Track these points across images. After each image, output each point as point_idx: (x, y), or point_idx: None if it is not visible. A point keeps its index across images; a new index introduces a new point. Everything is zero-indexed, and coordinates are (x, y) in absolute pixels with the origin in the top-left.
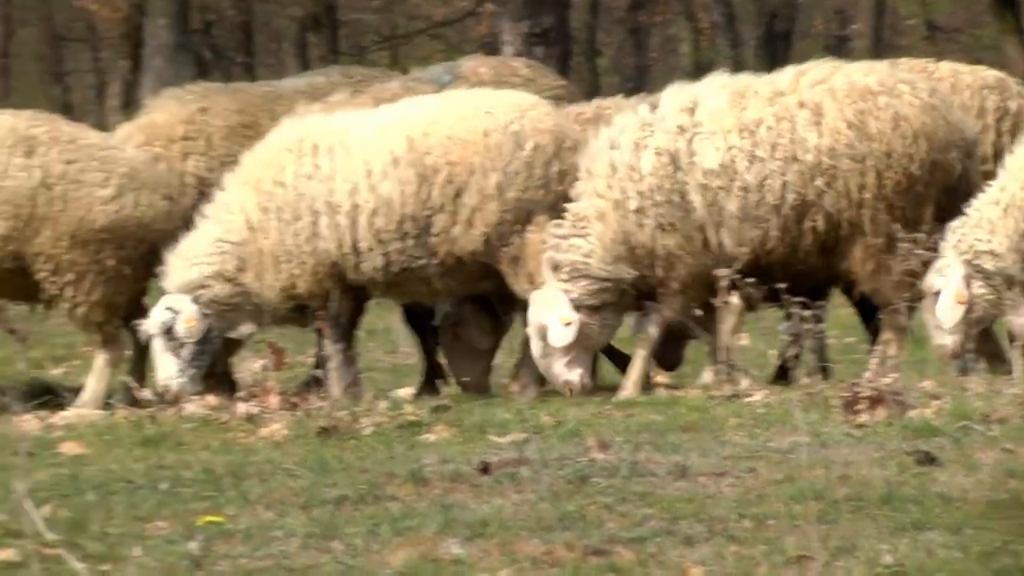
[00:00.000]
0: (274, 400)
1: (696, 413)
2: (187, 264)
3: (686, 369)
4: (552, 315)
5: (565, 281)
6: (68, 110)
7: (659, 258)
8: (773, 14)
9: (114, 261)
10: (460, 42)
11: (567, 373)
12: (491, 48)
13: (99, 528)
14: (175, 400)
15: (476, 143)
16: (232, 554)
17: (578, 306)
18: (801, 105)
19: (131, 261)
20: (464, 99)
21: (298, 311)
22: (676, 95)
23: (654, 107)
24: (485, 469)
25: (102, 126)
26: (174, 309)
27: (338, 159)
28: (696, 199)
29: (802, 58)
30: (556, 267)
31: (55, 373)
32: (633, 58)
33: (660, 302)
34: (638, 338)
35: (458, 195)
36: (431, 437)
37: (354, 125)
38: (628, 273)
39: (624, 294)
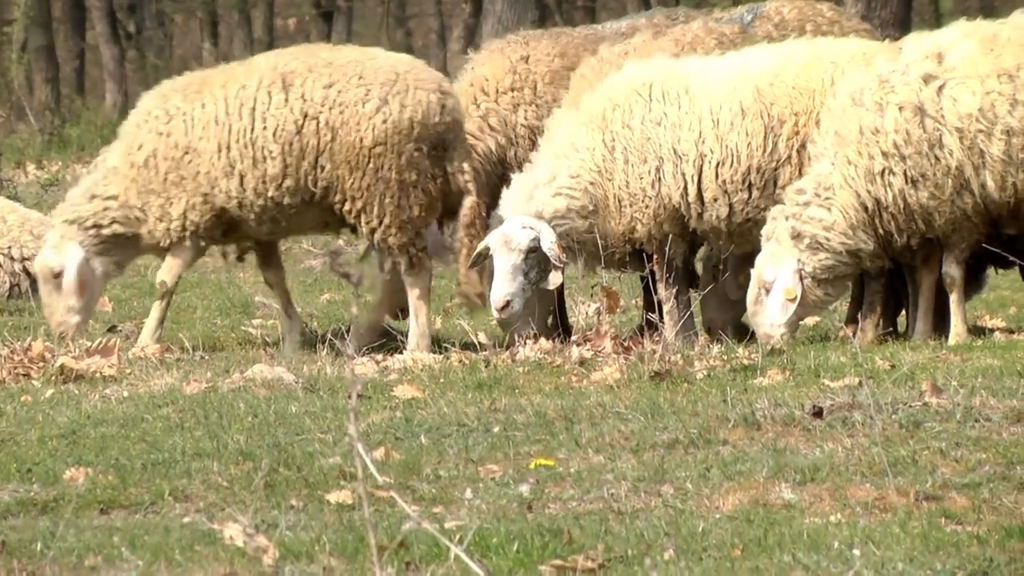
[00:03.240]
0: (607, 344)
1: None
2: (550, 192)
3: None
4: (778, 286)
5: (802, 251)
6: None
7: (915, 215)
8: None
9: (395, 173)
10: None
11: (770, 329)
12: None
13: (431, 471)
14: (505, 317)
15: (821, 93)
16: (563, 497)
17: (809, 277)
18: None
19: (416, 168)
20: (808, 48)
21: (633, 255)
22: (918, 44)
23: (891, 59)
24: (818, 413)
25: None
26: (536, 229)
27: (684, 107)
28: (952, 143)
29: None
30: (797, 236)
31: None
32: None
33: (946, 257)
34: (946, 285)
35: (803, 146)
36: (764, 381)
37: (700, 72)
38: (865, 243)
39: (859, 266)
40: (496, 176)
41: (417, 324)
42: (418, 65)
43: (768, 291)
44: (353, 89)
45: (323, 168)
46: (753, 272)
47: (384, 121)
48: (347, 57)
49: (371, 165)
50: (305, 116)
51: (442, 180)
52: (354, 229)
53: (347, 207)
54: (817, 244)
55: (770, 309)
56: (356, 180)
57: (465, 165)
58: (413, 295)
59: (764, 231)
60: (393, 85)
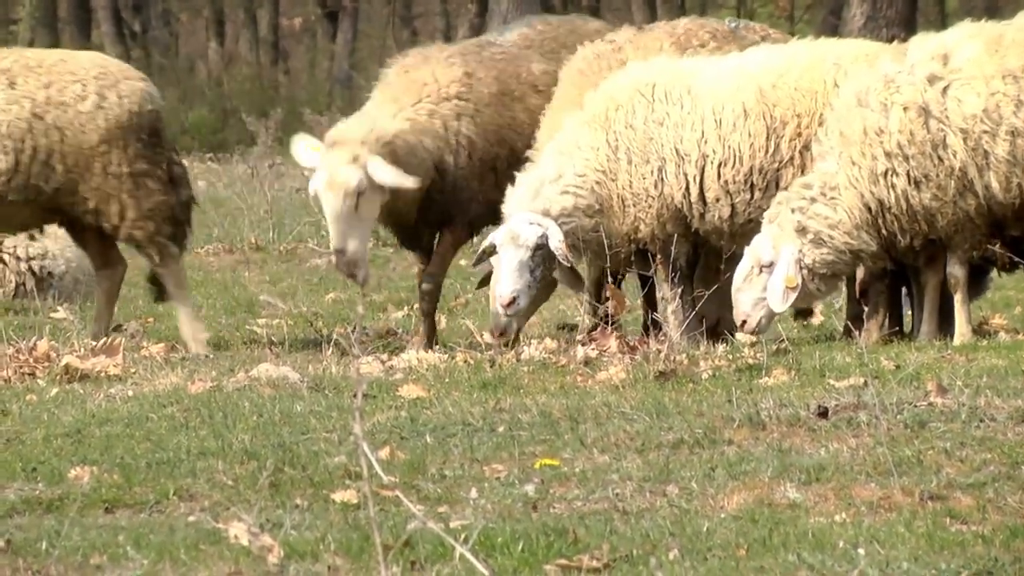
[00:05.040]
0: (613, 344)
1: None
2: (557, 190)
3: None
4: (779, 272)
5: (805, 244)
6: None
7: (918, 216)
8: None
9: (126, 167)
10: None
11: (751, 309)
12: None
13: (436, 470)
14: (511, 314)
15: (824, 95)
16: (568, 497)
17: (806, 269)
18: None
19: (144, 158)
20: (811, 49)
21: (637, 255)
22: (923, 45)
23: (896, 59)
24: (823, 413)
25: None
26: (543, 227)
27: (687, 108)
28: (956, 144)
29: None
30: (802, 230)
31: (397, 316)
32: None
33: (950, 258)
34: (950, 285)
35: (806, 147)
36: (769, 381)
37: (703, 73)
38: (868, 244)
39: (856, 265)
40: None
41: (183, 310)
42: (112, 59)
43: (761, 270)
44: (70, 87)
45: (54, 169)
46: (749, 250)
47: (106, 118)
48: (55, 56)
49: (99, 164)
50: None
51: (167, 166)
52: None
53: (83, 208)
54: (821, 240)
55: (770, 294)
56: (89, 182)
57: (173, 154)
58: (171, 285)
59: (767, 214)
60: (105, 79)
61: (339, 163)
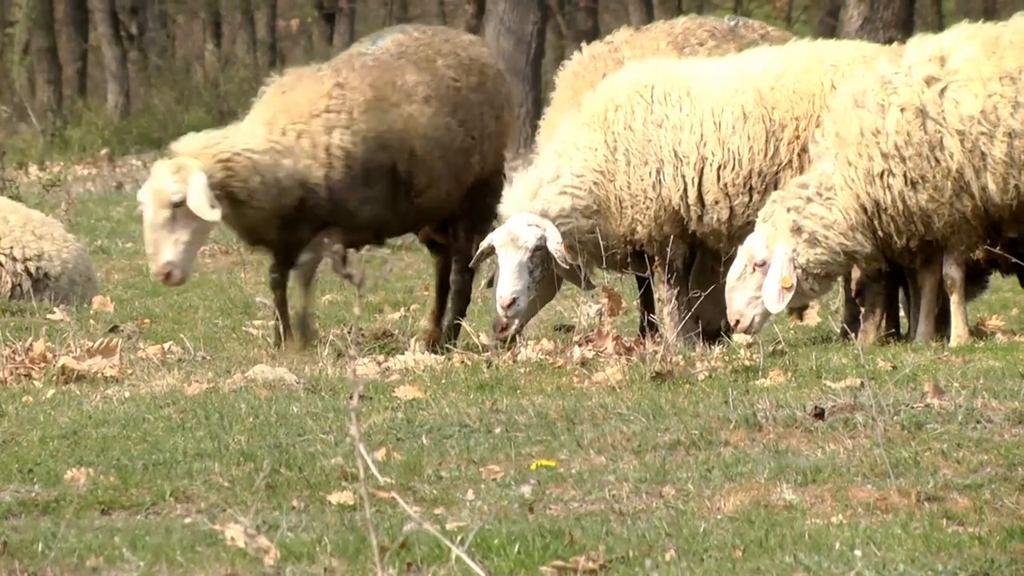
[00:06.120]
0: (609, 345)
1: None
2: (555, 190)
3: None
4: (774, 272)
5: (799, 243)
6: None
7: (914, 218)
8: None
9: None
10: None
11: (744, 308)
12: None
13: (433, 472)
14: (510, 315)
15: (821, 97)
16: (564, 498)
17: (800, 268)
18: None
19: None
20: (808, 51)
21: (634, 256)
22: (920, 46)
23: (893, 61)
24: (820, 414)
25: None
26: (541, 227)
27: (685, 110)
28: (953, 145)
29: None
30: (797, 230)
31: (393, 318)
32: None
33: (946, 259)
34: (947, 286)
35: (804, 150)
36: (765, 382)
37: (702, 75)
38: (863, 245)
39: (850, 267)
40: None
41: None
42: None
43: (754, 269)
44: None
45: None
46: (742, 249)
47: None
48: None
49: None
50: None
51: None
52: None
53: None
54: (815, 240)
55: (766, 295)
56: None
57: None
58: None
59: (761, 213)
60: None
61: (163, 173)
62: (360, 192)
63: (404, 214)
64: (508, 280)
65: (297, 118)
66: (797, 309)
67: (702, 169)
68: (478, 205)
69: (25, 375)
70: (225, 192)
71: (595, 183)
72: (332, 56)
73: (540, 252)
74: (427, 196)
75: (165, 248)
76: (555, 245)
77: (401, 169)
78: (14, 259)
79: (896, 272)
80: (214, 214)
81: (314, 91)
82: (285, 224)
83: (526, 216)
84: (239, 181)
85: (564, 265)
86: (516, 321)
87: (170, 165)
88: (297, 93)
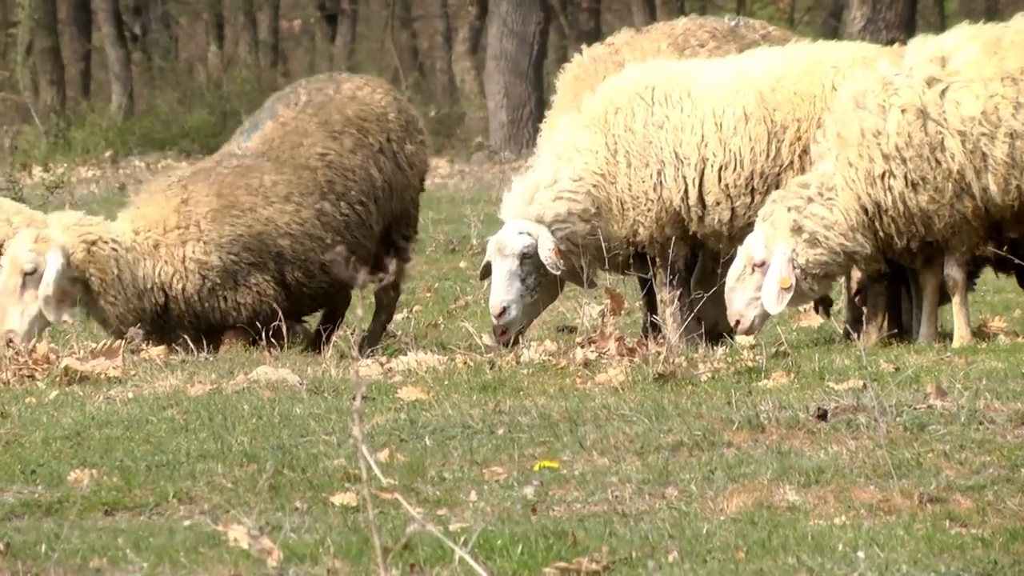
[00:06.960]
0: (612, 346)
1: None
2: (551, 196)
3: None
4: (773, 273)
5: (799, 243)
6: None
7: (915, 219)
8: None
9: None
10: None
11: (744, 309)
12: None
13: (436, 473)
14: (503, 323)
15: (822, 98)
16: (567, 499)
17: (799, 268)
18: None
19: None
20: (809, 53)
21: (636, 257)
22: (921, 47)
23: (894, 62)
24: (822, 416)
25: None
26: (532, 235)
27: (686, 111)
28: (954, 147)
29: None
30: (797, 229)
31: (396, 319)
32: None
33: (947, 260)
34: (948, 288)
35: (806, 151)
36: (768, 383)
37: (703, 76)
38: (863, 247)
39: (850, 267)
40: None
41: None
42: None
43: (754, 270)
44: None
45: None
46: (741, 249)
47: None
48: None
49: None
50: None
51: None
52: None
53: None
54: (815, 240)
55: (765, 296)
56: None
57: None
58: None
59: (761, 212)
60: None
61: (23, 240)
62: (230, 297)
63: (300, 301)
64: (499, 289)
65: (154, 228)
66: (822, 301)
67: (703, 170)
68: (400, 226)
69: (28, 376)
70: (82, 278)
71: (595, 186)
72: (334, 57)
73: (530, 260)
74: (318, 281)
75: (10, 315)
76: (545, 252)
77: (273, 268)
78: None
79: (898, 273)
80: (55, 315)
81: (164, 208)
82: (156, 328)
83: (518, 224)
84: (97, 268)
85: (555, 271)
86: (514, 326)
87: (32, 234)
88: (149, 208)
